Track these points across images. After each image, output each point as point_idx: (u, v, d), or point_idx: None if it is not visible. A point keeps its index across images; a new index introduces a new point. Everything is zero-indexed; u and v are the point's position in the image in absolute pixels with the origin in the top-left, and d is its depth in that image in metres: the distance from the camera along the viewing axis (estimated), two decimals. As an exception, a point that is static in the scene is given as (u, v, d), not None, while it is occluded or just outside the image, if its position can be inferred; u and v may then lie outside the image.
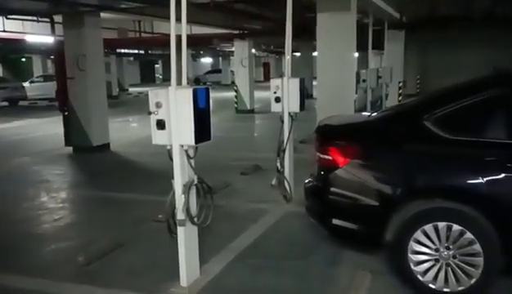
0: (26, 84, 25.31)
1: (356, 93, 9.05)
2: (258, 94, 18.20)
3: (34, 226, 5.47)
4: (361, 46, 9.92)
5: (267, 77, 38.79)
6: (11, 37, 15.87)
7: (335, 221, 3.79)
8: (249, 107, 17.36)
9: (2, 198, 6.79)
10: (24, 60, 33.04)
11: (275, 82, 5.83)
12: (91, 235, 5.09)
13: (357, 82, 9.65)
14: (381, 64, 15.08)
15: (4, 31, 13.49)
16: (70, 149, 10.04)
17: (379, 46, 13.38)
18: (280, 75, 5.95)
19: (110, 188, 7.08)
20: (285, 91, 5.74)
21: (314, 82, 19.68)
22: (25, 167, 8.79)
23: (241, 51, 17.23)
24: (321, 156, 3.88)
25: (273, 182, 5.82)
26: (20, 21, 13.25)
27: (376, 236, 3.56)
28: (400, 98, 15.37)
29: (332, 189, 3.77)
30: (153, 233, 4.94)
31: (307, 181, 4.25)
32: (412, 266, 3.45)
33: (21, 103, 23.57)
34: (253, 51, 18.57)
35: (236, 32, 16.73)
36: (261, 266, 4.16)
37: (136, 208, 6.02)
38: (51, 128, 12.81)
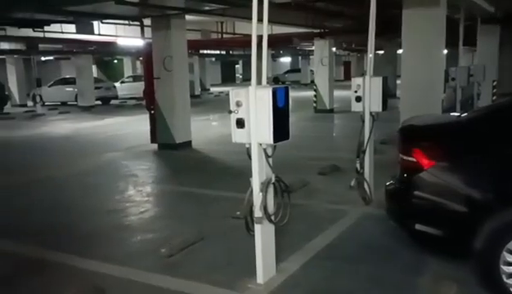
0: (117, 84, 27.09)
1: (444, 92, 8.59)
2: (337, 93, 17.92)
3: (123, 217, 5.82)
4: (451, 43, 9.39)
5: (347, 77, 38.03)
6: (105, 41, 17.08)
7: (418, 226, 3.62)
8: (328, 106, 17.14)
9: (96, 189, 7.30)
10: (116, 61, 35.35)
11: (356, 81, 5.69)
12: (173, 228, 5.31)
13: (446, 80, 9.16)
14: (473, 62, 14.16)
15: (99, 34, 14.49)
16: (155, 145, 10.55)
17: (470, 42, 12.57)
18: (362, 74, 5.80)
19: (191, 184, 7.34)
20: (366, 90, 5.58)
21: (398, 81, 18.95)
22: (115, 162, 9.39)
23: (321, 50, 17.05)
24: (405, 158, 3.72)
25: (352, 183, 5.69)
26: (113, 25, 14.17)
27: (463, 243, 3.35)
28: (494, 97, 14.34)
29: (416, 192, 3.61)
30: (231, 229, 5.04)
31: (388, 183, 4.10)
32: (504, 279, 3.20)
33: (112, 102, 25.23)
34: (334, 49, 18.28)
35: (317, 31, 16.59)
36: (337, 269, 4.08)
37: (216, 204, 6.18)
38: (138, 126, 13.56)
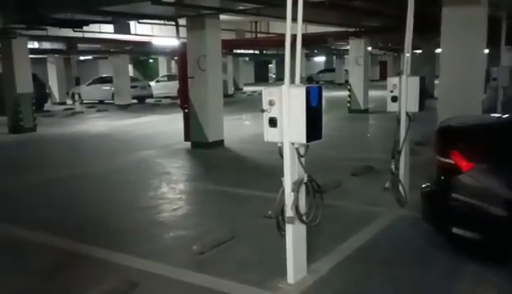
0: (152, 83, 27.58)
1: (484, 93, 8.32)
2: (372, 93, 17.64)
3: (156, 214, 5.91)
4: (493, 42, 9.07)
5: (383, 76, 37.41)
6: (141, 40, 17.41)
7: (456, 230, 3.52)
8: (362, 106, 16.90)
9: (130, 186, 7.44)
10: (151, 61, 36.00)
11: (392, 81, 5.58)
12: (204, 226, 5.35)
13: (487, 80, 8.87)
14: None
15: (136, 34, 14.79)
16: (189, 144, 10.67)
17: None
18: (398, 73, 5.68)
19: (223, 182, 7.38)
20: (402, 90, 5.46)
21: (436, 81, 18.50)
22: (149, 160, 9.54)
23: (356, 50, 16.83)
24: (442, 159, 3.62)
25: (387, 185, 5.58)
26: (149, 25, 14.43)
27: (504, 249, 3.22)
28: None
29: (453, 195, 3.50)
30: (262, 228, 5.02)
31: (424, 186, 3.99)
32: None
33: (148, 100, 25.70)
34: (369, 48, 18.00)
35: (352, 30, 16.38)
36: (369, 271, 4.01)
37: (248, 203, 6.19)
38: (172, 124, 13.75)
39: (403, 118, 5.50)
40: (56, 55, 24.92)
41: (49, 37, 16.96)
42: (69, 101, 25.67)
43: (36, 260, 4.53)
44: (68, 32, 14.14)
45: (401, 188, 5.56)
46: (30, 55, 15.10)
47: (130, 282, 3.83)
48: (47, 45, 21.09)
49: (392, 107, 5.58)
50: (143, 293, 3.75)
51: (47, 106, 22.32)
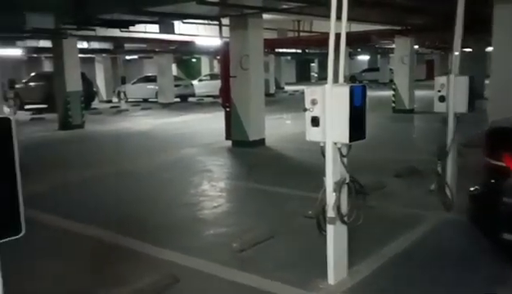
0: (195, 82, 28.02)
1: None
2: (418, 93, 17.18)
3: (197, 211, 5.99)
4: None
5: (429, 76, 36.30)
6: (185, 40, 17.69)
7: (507, 236, 3.36)
8: (407, 106, 16.48)
9: (172, 183, 7.58)
10: (194, 60, 36.56)
11: (439, 81, 5.40)
12: (245, 224, 5.37)
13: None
14: None
15: (180, 34, 15.03)
16: (230, 142, 10.75)
17: None
18: (446, 73, 5.49)
19: (263, 181, 7.39)
20: (450, 90, 5.28)
21: (486, 81, 17.79)
22: (191, 157, 9.70)
23: (402, 48, 16.43)
24: (492, 162, 3.48)
25: (432, 187, 5.42)
26: (193, 25, 14.62)
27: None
28: None
29: (505, 199, 3.35)
30: (302, 228, 5.00)
31: (472, 189, 3.85)
32: None
33: (190, 99, 26.10)
34: (416, 47, 17.51)
35: (398, 28, 15.99)
36: (411, 276, 3.91)
37: (287, 202, 6.17)
38: (213, 123, 13.90)
39: (451, 118, 5.32)
40: (104, 55, 25.76)
41: (97, 37, 17.51)
42: (114, 99, 26.46)
43: (84, 251, 4.70)
44: (115, 32, 14.56)
45: (447, 190, 5.38)
46: (79, 55, 15.68)
47: (172, 276, 3.90)
48: (95, 45, 21.80)
49: (439, 107, 5.41)
50: (184, 288, 3.81)
51: (94, 104, 23.11)
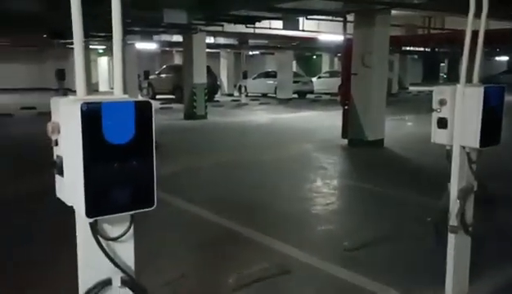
0: (314, 79, 28.01)
1: None
2: None
3: (311, 206, 6.03)
4: None
5: None
6: (308, 36, 17.78)
7: None
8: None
9: (289, 176, 7.73)
10: (315, 57, 36.56)
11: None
12: (356, 224, 5.29)
13: None
14: None
15: (303, 30, 15.15)
16: (346, 141, 10.58)
17: None
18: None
19: (378, 182, 7.15)
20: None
21: None
22: (307, 153, 9.76)
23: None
24: None
25: None
26: (316, 21, 14.64)
27: None
28: None
29: None
30: (415, 233, 4.74)
31: None
32: None
33: (308, 96, 26.18)
34: None
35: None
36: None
37: (401, 206, 5.92)
38: (330, 120, 13.78)
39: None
40: (228, 50, 26.97)
41: (224, 32, 18.41)
42: (235, 93, 27.59)
43: (199, 233, 5.01)
44: (241, 28, 15.17)
45: None
46: (206, 50, 16.63)
47: (282, 266, 3.98)
48: (221, 40, 22.94)
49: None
50: (294, 280, 3.86)
51: (217, 97, 24.31)
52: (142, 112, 1.79)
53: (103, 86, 29.54)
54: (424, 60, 40.88)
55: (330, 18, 13.06)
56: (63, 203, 1.88)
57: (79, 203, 1.72)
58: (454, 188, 3.32)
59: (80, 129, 1.66)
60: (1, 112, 16.09)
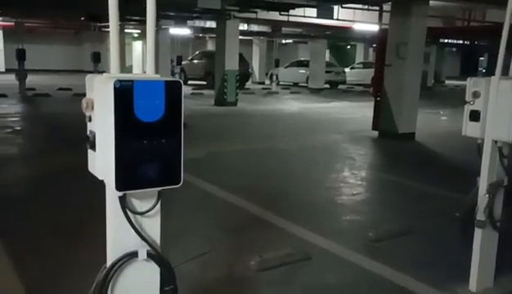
0: (347, 70, 27.66)
1: None
2: None
3: (336, 195, 6.02)
4: None
5: None
6: (342, 26, 17.54)
7: None
8: None
9: (317, 165, 7.71)
10: (348, 47, 36.01)
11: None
12: (381, 215, 5.26)
13: None
14: None
15: (337, 19, 14.95)
16: (376, 133, 10.46)
17: None
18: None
19: (407, 175, 7.07)
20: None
21: None
22: (336, 143, 9.71)
23: None
24: None
25: None
26: (351, 10, 14.41)
27: None
28: None
29: None
30: (441, 227, 4.70)
31: None
32: None
33: (340, 86, 25.91)
34: None
35: None
36: None
37: (428, 199, 5.86)
38: (361, 112, 13.65)
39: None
40: (261, 38, 26.88)
41: (257, 20, 18.35)
42: (267, 81, 27.55)
43: (225, 216, 5.09)
44: (274, 15, 15.08)
45: None
46: (239, 37, 16.63)
47: (305, 253, 4.01)
48: (254, 27, 22.89)
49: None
50: (316, 266, 3.89)
51: (248, 84, 24.34)
52: (172, 91, 1.83)
53: (136, 70, 30.02)
54: (462, 53, 39.73)
55: (365, 7, 12.84)
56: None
57: (110, 177, 1.79)
58: (483, 182, 3.27)
59: (113, 105, 1.72)
60: (40, 92, 16.68)
